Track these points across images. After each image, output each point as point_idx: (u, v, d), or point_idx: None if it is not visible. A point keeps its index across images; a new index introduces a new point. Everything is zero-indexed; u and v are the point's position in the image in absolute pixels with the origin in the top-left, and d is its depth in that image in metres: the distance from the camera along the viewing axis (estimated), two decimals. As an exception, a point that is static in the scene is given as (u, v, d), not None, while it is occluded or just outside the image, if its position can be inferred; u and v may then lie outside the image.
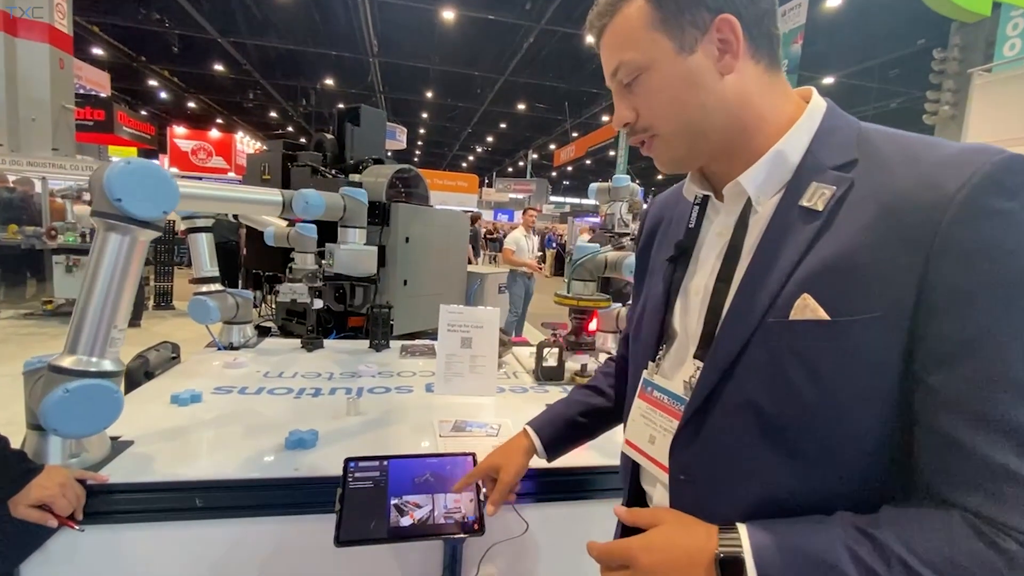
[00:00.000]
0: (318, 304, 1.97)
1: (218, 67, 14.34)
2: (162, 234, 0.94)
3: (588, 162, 24.24)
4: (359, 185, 3.12)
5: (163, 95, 17.22)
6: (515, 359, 1.97)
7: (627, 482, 0.75)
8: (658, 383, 0.68)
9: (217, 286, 1.85)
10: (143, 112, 16.22)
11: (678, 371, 0.66)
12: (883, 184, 0.51)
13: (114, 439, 1.07)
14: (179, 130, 16.25)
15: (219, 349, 1.86)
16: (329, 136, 3.24)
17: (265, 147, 3.36)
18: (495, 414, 1.39)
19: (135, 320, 5.46)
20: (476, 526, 0.91)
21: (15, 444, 0.87)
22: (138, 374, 1.48)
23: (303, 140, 3.73)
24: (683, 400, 0.63)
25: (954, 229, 0.46)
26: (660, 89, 0.59)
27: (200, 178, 12.39)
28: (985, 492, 0.45)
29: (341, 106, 3.49)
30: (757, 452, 0.55)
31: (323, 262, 1.32)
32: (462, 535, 0.91)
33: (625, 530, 0.63)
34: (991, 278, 0.45)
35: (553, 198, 29.15)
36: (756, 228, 0.59)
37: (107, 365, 0.93)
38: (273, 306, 3.17)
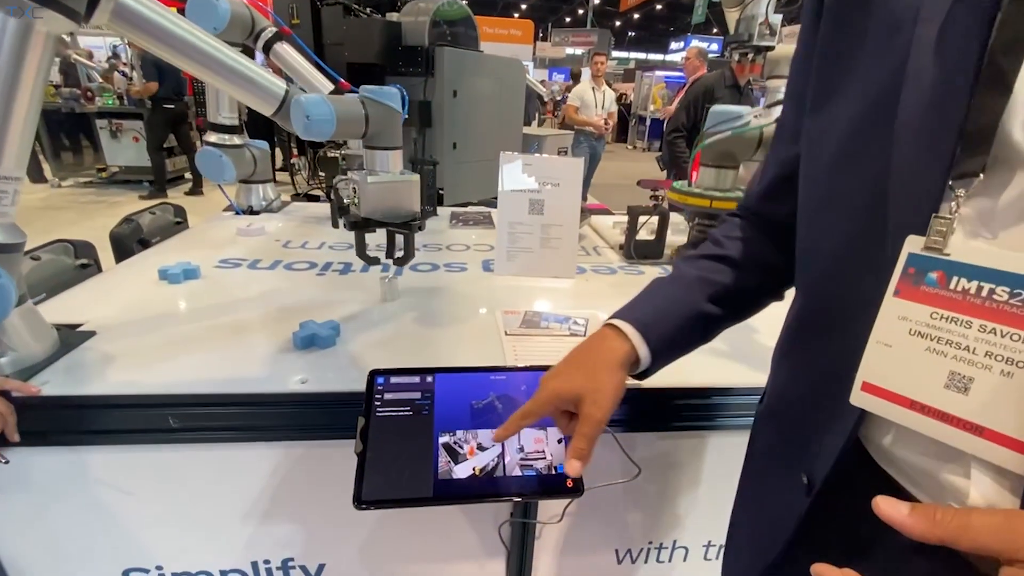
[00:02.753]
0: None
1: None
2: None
3: (659, 7, 20.91)
4: (397, 26, 2.56)
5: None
6: (593, 231, 1.55)
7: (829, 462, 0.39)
8: (976, 261, 0.30)
9: (235, 138, 1.48)
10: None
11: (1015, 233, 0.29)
12: None
13: (73, 327, 0.79)
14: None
15: (237, 213, 1.56)
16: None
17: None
18: (576, 303, 1.03)
19: (159, 190, 5.27)
20: (570, 482, 0.59)
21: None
22: (128, 241, 1.19)
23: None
24: None
25: None
26: None
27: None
28: None
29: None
30: None
31: (346, 199, 0.86)
32: (549, 495, 0.60)
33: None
34: None
35: (616, 53, 25.92)
36: None
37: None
38: (322, 173, 2.82)
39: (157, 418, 0.66)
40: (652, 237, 1.28)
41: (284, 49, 1.33)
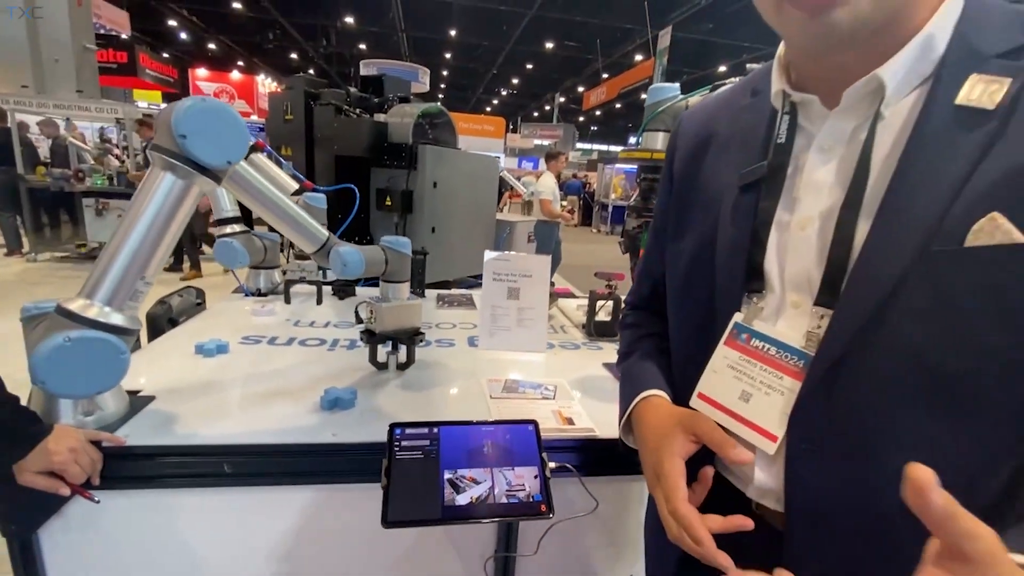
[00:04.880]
0: (332, 275, 1.84)
1: (236, 4, 13.80)
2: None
3: (618, 106, 23.10)
4: (384, 125, 2.94)
5: (182, 36, 16.79)
6: (560, 312, 1.81)
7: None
8: (760, 330, 0.53)
9: (241, 227, 1.72)
10: (164, 55, 15.92)
11: (776, 320, 0.54)
12: None
13: (132, 394, 0.96)
14: (201, 72, 15.91)
15: (246, 295, 1.75)
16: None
17: (287, 85, 3.14)
18: (547, 372, 1.25)
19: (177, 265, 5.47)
20: (543, 507, 0.78)
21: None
22: (161, 321, 1.38)
23: (324, 80, 3.51)
24: (804, 354, 0.51)
25: None
26: None
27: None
28: None
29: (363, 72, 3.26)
30: (911, 413, 0.45)
31: (364, 319, 1.13)
32: (527, 516, 0.78)
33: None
34: None
35: (580, 144, 28.09)
36: (886, 138, 0.47)
37: (119, 319, 0.80)
38: (291, 253, 3.08)
39: (214, 464, 0.83)
40: (608, 318, 1.53)
41: (259, 158, 1.62)
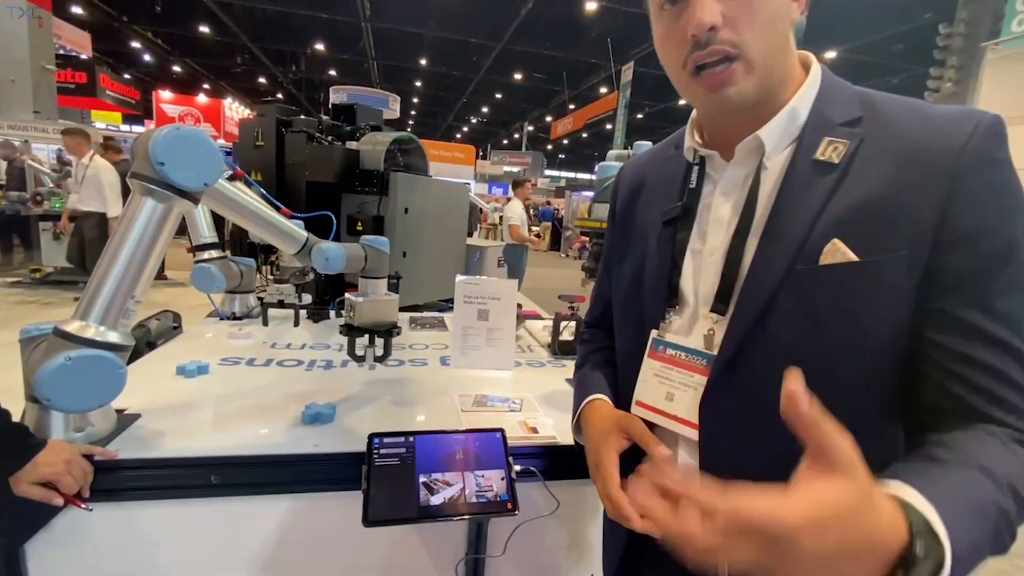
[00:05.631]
0: (306, 299, 1.91)
1: (203, 28, 13.77)
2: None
3: (585, 135, 23.89)
4: (355, 152, 3.03)
5: (147, 58, 16.59)
6: (528, 333, 1.91)
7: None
8: (672, 340, 0.67)
9: (219, 252, 1.77)
10: (126, 76, 15.64)
11: (691, 329, 0.66)
12: (894, 136, 0.56)
13: (119, 412, 1.01)
14: (165, 95, 15.68)
15: (221, 319, 1.79)
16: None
17: (258, 112, 3.20)
18: (514, 387, 1.34)
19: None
20: (509, 505, 0.87)
21: (15, 418, 0.81)
22: (140, 344, 1.41)
23: (295, 108, 3.58)
24: (705, 355, 0.63)
25: (968, 174, 0.52)
26: (764, 4, 0.55)
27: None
28: (1001, 402, 0.51)
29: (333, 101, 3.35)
30: None
31: (343, 312, 1.21)
32: (495, 514, 0.87)
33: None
34: (999, 217, 0.52)
35: (548, 171, 28.77)
36: (768, 184, 0.61)
37: (114, 337, 0.86)
38: (269, 277, 3.10)
39: (202, 476, 0.88)
40: (572, 338, 1.65)
41: (237, 185, 1.69)
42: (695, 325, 0.66)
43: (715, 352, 0.62)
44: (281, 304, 1.81)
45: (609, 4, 10.88)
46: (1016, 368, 0.52)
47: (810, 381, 0.55)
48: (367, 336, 1.21)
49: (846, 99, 0.60)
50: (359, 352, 1.21)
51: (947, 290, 0.53)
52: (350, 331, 1.17)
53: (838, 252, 0.54)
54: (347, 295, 1.20)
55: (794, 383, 0.40)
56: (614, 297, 0.81)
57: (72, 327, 0.84)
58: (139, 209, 0.89)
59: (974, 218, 0.52)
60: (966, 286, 0.53)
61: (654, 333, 0.69)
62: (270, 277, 1.88)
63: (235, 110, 16.46)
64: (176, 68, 17.71)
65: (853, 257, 0.54)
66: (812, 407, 0.40)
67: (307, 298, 1.92)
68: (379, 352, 1.23)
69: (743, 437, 0.60)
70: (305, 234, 1.16)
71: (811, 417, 0.40)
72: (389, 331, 1.20)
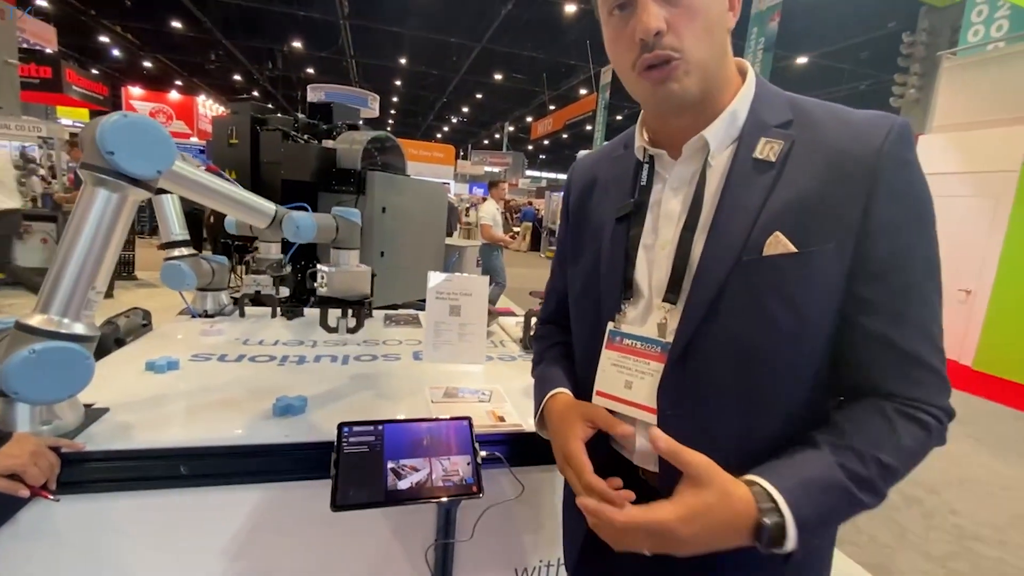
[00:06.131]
0: (284, 292, 1.91)
1: (176, 24, 13.46)
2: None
3: (565, 136, 24.04)
4: (332, 151, 3.02)
5: (116, 53, 16.11)
6: (501, 329, 1.95)
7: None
8: (628, 331, 0.71)
9: (189, 250, 1.76)
10: (94, 71, 15.18)
11: (646, 319, 0.70)
12: (821, 139, 0.61)
13: (87, 406, 1.01)
14: (135, 91, 15.25)
15: (193, 317, 1.78)
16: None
17: (232, 110, 3.16)
18: (485, 379, 1.38)
19: (108, 291, 5.17)
20: (474, 488, 0.90)
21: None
22: (108, 341, 1.40)
23: (270, 106, 3.54)
24: (660, 342, 0.67)
25: (885, 174, 0.58)
26: (705, 10, 0.60)
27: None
28: (905, 377, 0.59)
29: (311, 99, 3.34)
30: (742, 378, 0.63)
31: (315, 284, 1.23)
32: (460, 497, 0.90)
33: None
34: (912, 212, 0.59)
35: (529, 172, 28.88)
36: (714, 180, 0.65)
37: (79, 328, 0.87)
38: (244, 277, 3.07)
39: (171, 467, 0.89)
40: (543, 333, 1.69)
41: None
42: (649, 315, 0.70)
43: (669, 340, 0.67)
44: (258, 295, 1.81)
45: (588, 7, 10.99)
46: (926, 346, 0.59)
47: (757, 365, 0.63)
48: (340, 310, 1.23)
49: (779, 103, 0.66)
50: (331, 323, 1.23)
51: (870, 277, 0.59)
52: (322, 302, 1.19)
53: (779, 244, 0.59)
54: (319, 266, 1.22)
55: (655, 432, 0.59)
56: (570, 292, 0.85)
57: (34, 320, 0.84)
58: (92, 200, 0.88)
59: (892, 212, 0.58)
60: (888, 274, 0.58)
61: (610, 325, 0.73)
62: (244, 277, 1.87)
63: (209, 107, 16.10)
64: (147, 64, 17.26)
65: (793, 248, 0.59)
66: (668, 443, 0.58)
67: (284, 291, 1.91)
68: (351, 324, 1.25)
69: (699, 418, 0.65)
70: (274, 206, 1.17)
71: (670, 450, 0.58)
72: (361, 302, 1.23)
